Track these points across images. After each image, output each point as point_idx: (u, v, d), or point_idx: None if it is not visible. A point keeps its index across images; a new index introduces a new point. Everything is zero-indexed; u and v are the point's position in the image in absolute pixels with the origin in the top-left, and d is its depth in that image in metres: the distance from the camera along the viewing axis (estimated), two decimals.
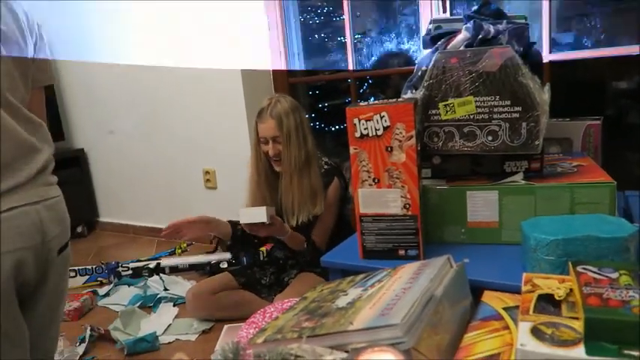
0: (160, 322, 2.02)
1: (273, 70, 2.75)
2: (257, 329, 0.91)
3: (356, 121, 1.01)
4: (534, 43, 1.22)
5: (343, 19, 2.84)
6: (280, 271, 1.90)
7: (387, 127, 0.99)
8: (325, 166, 1.78)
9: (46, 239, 1.00)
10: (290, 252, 1.81)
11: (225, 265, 2.46)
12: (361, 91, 3.39)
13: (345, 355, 0.61)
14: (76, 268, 2.49)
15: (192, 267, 2.50)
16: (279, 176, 1.75)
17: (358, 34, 3.63)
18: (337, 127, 3.59)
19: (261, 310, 0.96)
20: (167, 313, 2.10)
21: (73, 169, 3.31)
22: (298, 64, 2.92)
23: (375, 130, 1.00)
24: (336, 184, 1.76)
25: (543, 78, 1.16)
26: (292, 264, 1.87)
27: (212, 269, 2.45)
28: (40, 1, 1.46)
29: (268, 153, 1.70)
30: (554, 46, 2.10)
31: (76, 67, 3.25)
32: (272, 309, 0.96)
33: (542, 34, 2.00)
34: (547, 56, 1.99)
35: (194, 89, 2.76)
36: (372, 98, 3.51)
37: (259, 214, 1.51)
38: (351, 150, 1.03)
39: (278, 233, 1.64)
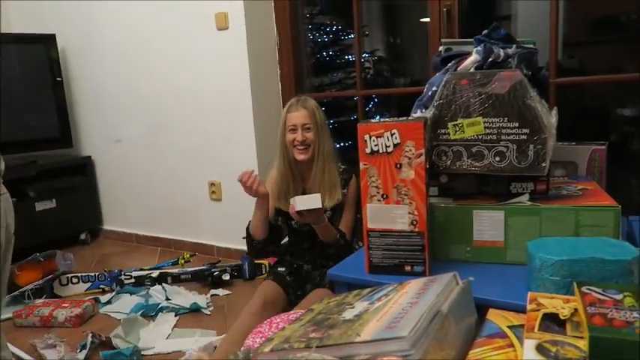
0: (159, 332, 2.02)
1: (282, 85, 2.78)
2: (263, 339, 0.92)
3: (367, 137, 1.03)
4: (542, 67, 1.25)
5: (352, 37, 2.89)
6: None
7: (397, 144, 1.01)
8: (343, 166, 1.86)
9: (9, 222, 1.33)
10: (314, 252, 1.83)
11: (227, 277, 2.47)
12: (367, 109, 3.43)
13: None
14: (79, 274, 2.50)
15: (195, 277, 2.50)
16: (305, 165, 1.80)
17: (366, 53, 3.69)
18: (343, 143, 3.62)
19: (268, 320, 0.97)
20: (166, 322, 2.10)
21: (79, 177, 3.34)
22: (307, 81, 2.97)
23: (386, 146, 1.02)
24: (354, 180, 1.83)
25: (550, 102, 1.18)
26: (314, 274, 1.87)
27: (214, 280, 2.46)
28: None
29: (295, 141, 1.74)
30: (560, 70, 2.14)
31: (87, 77, 3.30)
32: (278, 319, 0.97)
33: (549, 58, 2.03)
34: (553, 81, 2.02)
35: (202, 101, 2.80)
36: (378, 116, 3.55)
37: (315, 200, 1.54)
38: (361, 165, 1.05)
39: (320, 220, 1.66)
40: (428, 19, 2.32)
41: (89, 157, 3.41)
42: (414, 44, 3.98)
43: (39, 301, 2.30)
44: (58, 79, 3.25)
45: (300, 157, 1.76)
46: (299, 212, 1.57)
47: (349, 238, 1.78)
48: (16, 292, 2.33)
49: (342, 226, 1.79)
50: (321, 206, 1.55)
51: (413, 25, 3.97)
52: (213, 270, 2.49)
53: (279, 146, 1.81)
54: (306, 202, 1.55)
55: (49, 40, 3.21)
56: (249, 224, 1.82)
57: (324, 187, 1.76)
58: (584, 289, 0.75)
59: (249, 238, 1.82)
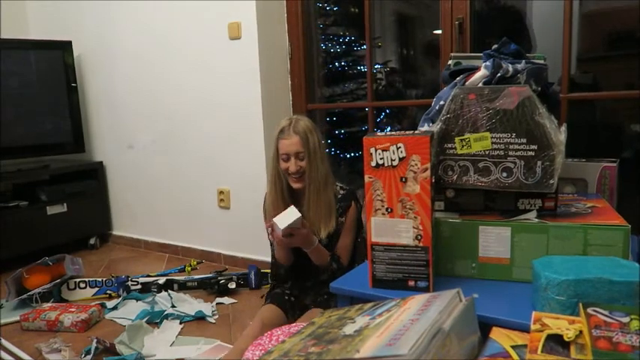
0: (163, 339, 2.02)
1: (293, 95, 2.80)
2: (263, 351, 0.91)
3: (372, 150, 1.03)
4: (552, 83, 1.23)
5: (364, 49, 2.89)
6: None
7: (403, 158, 1.01)
8: (341, 191, 1.78)
9: None
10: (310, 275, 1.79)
11: (233, 286, 2.47)
12: (378, 120, 3.43)
13: None
14: (87, 279, 2.52)
15: (201, 285, 2.50)
16: (299, 194, 1.75)
17: (378, 64, 3.69)
18: (352, 154, 3.62)
19: (268, 332, 0.96)
20: (170, 329, 2.10)
21: (90, 182, 3.37)
22: (318, 91, 2.98)
23: (391, 160, 1.01)
24: (354, 207, 1.77)
25: (560, 118, 1.17)
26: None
27: (220, 288, 2.45)
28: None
29: (288, 170, 1.67)
30: (573, 86, 2.12)
31: (101, 83, 3.35)
32: (279, 332, 0.96)
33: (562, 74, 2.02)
34: (565, 96, 2.00)
35: (213, 110, 2.82)
36: (389, 128, 3.54)
37: (291, 213, 1.52)
38: (366, 178, 1.05)
39: (308, 241, 1.61)
40: (440, 32, 2.32)
41: (101, 162, 3.45)
42: (428, 56, 3.97)
43: (46, 305, 2.31)
44: (72, 84, 3.30)
45: (296, 185, 1.71)
46: (284, 236, 1.54)
47: (345, 263, 1.72)
48: (24, 296, 2.35)
49: (338, 249, 1.73)
50: (299, 217, 1.52)
51: (426, 37, 3.97)
52: (219, 278, 2.49)
53: (272, 171, 1.74)
54: (285, 220, 1.52)
55: (65, 46, 3.26)
56: (272, 251, 1.80)
57: (319, 215, 1.70)
58: (589, 310, 0.74)
59: (275, 262, 1.79)
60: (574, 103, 2.09)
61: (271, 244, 1.82)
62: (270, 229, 1.63)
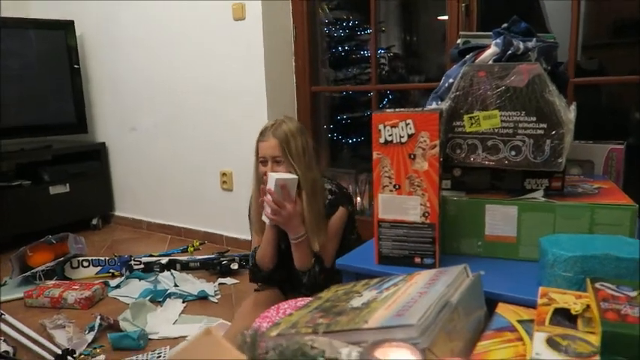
0: (165, 317, 2.03)
1: (297, 77, 2.78)
2: (270, 323, 0.92)
3: (381, 127, 1.02)
4: (562, 63, 1.23)
5: (368, 33, 2.87)
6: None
7: (412, 134, 1.00)
8: (330, 196, 1.63)
9: None
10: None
11: (236, 267, 2.48)
12: (381, 105, 3.41)
13: (360, 349, 0.62)
14: (90, 258, 2.53)
15: (203, 265, 2.52)
16: None
17: (382, 49, 3.67)
18: (354, 139, 3.61)
19: (275, 305, 0.96)
20: (173, 308, 2.11)
21: (93, 162, 3.37)
22: (321, 74, 2.96)
23: (400, 137, 1.01)
24: (340, 213, 1.63)
25: (568, 98, 1.16)
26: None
27: (222, 269, 2.47)
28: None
29: (265, 174, 1.54)
30: (579, 71, 2.11)
31: (104, 64, 3.33)
32: (286, 305, 0.97)
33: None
34: (571, 81, 1.99)
35: (217, 92, 2.80)
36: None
37: (288, 174, 1.47)
38: (374, 155, 1.04)
39: (296, 223, 1.49)
40: (446, 17, 2.29)
41: (103, 143, 3.44)
42: (430, 42, 3.95)
43: (50, 283, 2.33)
44: (75, 65, 3.28)
45: None
46: (276, 202, 1.44)
47: (328, 266, 1.57)
48: (27, 273, 2.36)
49: (320, 250, 1.58)
50: (296, 177, 1.46)
51: (430, 23, 3.94)
52: (221, 259, 2.50)
53: (255, 175, 1.63)
54: (281, 175, 1.46)
55: (67, 26, 3.24)
56: (253, 252, 1.67)
57: (307, 227, 1.53)
58: (597, 284, 0.74)
59: (255, 268, 1.65)
60: (580, 88, 2.08)
61: (253, 251, 1.69)
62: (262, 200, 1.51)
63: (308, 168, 1.55)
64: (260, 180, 1.59)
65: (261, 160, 1.58)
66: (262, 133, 1.60)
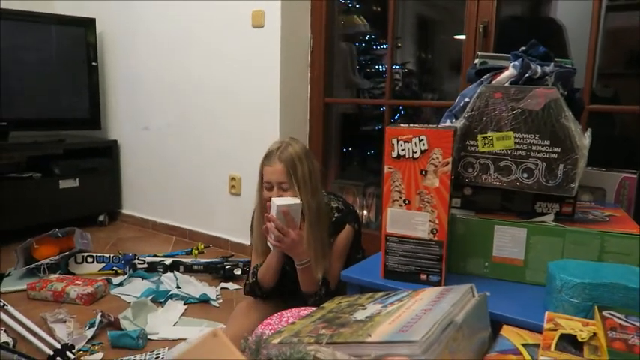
0: (166, 318, 2.03)
1: (311, 88, 2.80)
2: (272, 331, 0.91)
3: (394, 141, 1.03)
4: (579, 89, 1.23)
5: (384, 48, 2.88)
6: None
7: (425, 150, 1.01)
8: (336, 214, 1.60)
9: None
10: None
11: (239, 272, 2.48)
12: (392, 121, 3.42)
13: None
14: (94, 254, 2.53)
15: (207, 269, 2.52)
16: None
17: (396, 64, 3.69)
18: (365, 153, 3.62)
19: (278, 313, 0.96)
20: (174, 309, 2.11)
21: (104, 159, 3.39)
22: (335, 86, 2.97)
23: (413, 152, 1.01)
24: (346, 232, 1.60)
25: (582, 125, 1.16)
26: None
27: (225, 274, 2.47)
28: None
29: (270, 201, 1.49)
30: (594, 99, 2.10)
31: (122, 63, 3.37)
32: (288, 314, 0.96)
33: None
34: (586, 107, 1.99)
35: (230, 97, 2.82)
36: None
37: (292, 199, 1.43)
38: (386, 169, 1.05)
39: (300, 249, 1.46)
40: (463, 37, 2.30)
41: (115, 141, 3.47)
42: (445, 61, 3.96)
43: (53, 276, 2.33)
44: (93, 63, 3.32)
45: None
46: (278, 228, 1.41)
47: (334, 288, 1.55)
48: (32, 265, 2.37)
49: (326, 273, 1.55)
50: (299, 201, 1.43)
51: (446, 42, 3.96)
52: (225, 263, 2.50)
53: (257, 197, 1.60)
54: (284, 201, 1.43)
55: (89, 23, 3.28)
56: (255, 269, 1.65)
57: (311, 254, 1.50)
58: (605, 313, 0.74)
59: (256, 285, 1.63)
60: (593, 115, 2.08)
61: (255, 268, 1.67)
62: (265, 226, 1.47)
63: (313, 194, 1.51)
64: (263, 205, 1.54)
65: (266, 186, 1.54)
66: (267, 157, 1.54)
